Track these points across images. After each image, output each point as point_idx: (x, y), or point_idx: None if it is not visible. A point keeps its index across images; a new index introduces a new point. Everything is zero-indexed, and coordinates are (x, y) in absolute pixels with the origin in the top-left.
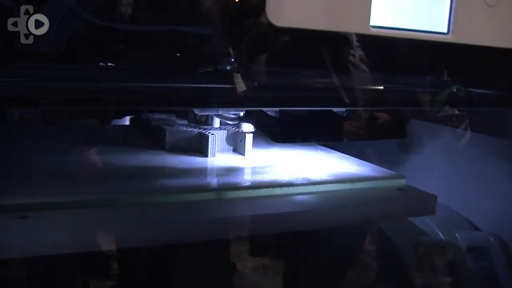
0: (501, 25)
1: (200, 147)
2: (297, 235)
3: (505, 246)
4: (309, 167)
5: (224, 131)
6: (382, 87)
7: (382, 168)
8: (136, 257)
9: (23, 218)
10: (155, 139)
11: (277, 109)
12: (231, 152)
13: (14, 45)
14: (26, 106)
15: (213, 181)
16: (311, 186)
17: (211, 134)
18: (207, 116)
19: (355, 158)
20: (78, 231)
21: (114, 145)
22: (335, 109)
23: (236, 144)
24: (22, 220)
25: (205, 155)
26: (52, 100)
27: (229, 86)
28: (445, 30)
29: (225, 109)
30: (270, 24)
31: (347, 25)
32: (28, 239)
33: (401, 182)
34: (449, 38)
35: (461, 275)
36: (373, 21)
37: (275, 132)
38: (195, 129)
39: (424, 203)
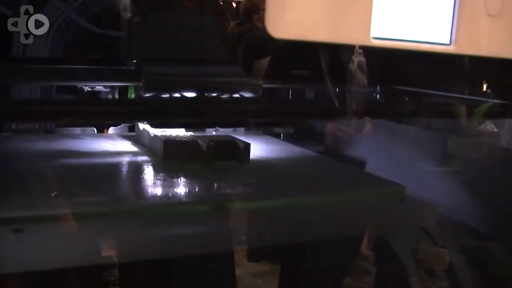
0: (503, 35)
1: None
2: (297, 245)
3: None
4: None
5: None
6: None
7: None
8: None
9: (19, 231)
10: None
11: None
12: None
13: None
14: None
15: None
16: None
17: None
18: None
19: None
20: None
21: (111, 155)
22: None
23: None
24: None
25: None
26: None
27: None
28: (447, 41)
29: None
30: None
31: (348, 37)
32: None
33: (401, 192)
34: (451, 49)
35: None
36: (374, 33)
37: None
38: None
39: (425, 213)
